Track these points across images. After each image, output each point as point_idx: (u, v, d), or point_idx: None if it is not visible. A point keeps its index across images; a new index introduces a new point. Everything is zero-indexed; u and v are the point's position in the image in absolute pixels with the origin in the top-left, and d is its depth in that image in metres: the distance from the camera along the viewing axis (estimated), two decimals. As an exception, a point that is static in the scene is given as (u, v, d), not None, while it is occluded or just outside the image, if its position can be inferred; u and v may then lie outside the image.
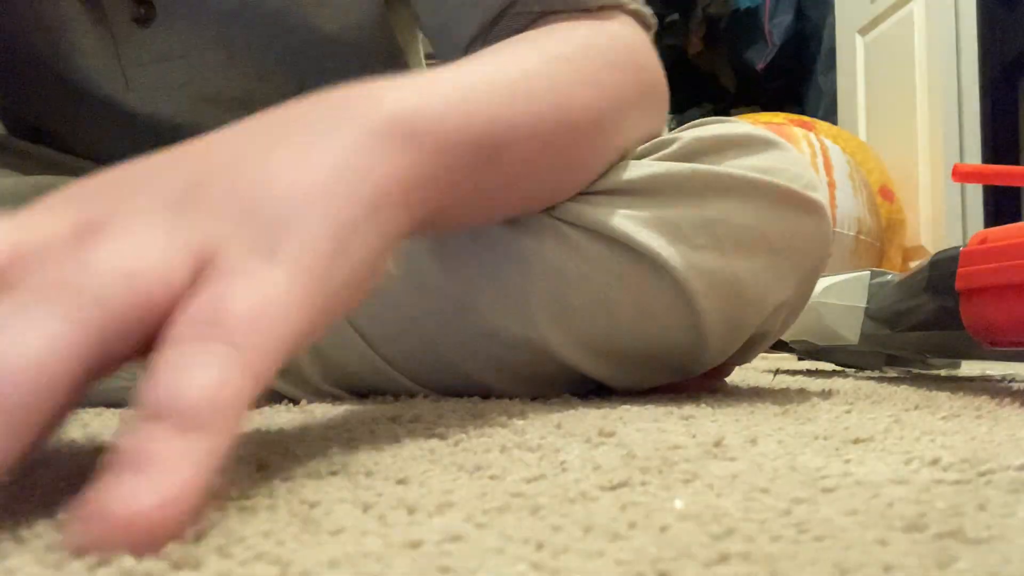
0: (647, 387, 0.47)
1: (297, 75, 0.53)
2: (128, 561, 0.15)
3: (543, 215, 0.41)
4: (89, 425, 0.34)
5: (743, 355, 0.48)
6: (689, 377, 0.46)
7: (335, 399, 0.44)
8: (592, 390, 0.46)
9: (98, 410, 0.40)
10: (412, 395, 0.45)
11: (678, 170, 0.41)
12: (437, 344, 0.43)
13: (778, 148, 0.44)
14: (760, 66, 2.69)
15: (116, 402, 0.43)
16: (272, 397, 0.44)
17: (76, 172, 0.51)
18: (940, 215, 1.93)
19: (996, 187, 1.87)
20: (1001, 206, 1.91)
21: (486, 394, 0.44)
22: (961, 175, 0.64)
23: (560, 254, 0.41)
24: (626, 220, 0.40)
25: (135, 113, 0.53)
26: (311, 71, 0.53)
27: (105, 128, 0.54)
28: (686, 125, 0.46)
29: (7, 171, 0.51)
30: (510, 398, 0.43)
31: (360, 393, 0.45)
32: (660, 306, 0.41)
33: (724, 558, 0.15)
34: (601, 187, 0.42)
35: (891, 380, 0.66)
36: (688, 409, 0.40)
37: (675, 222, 0.41)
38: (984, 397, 0.47)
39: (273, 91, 0.52)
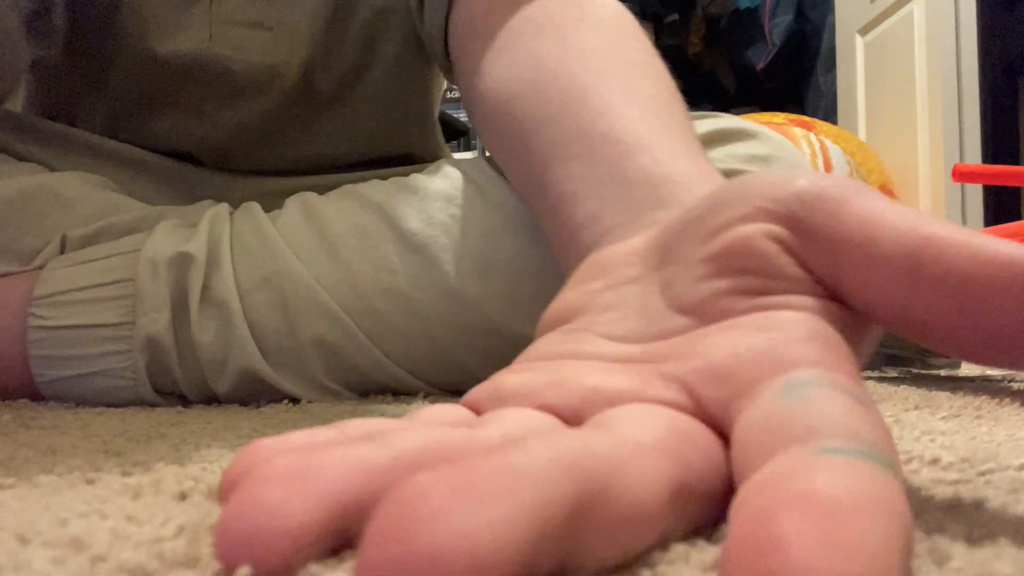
0: None
1: (360, 46, 0.55)
2: (128, 560, 0.15)
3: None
4: (89, 425, 0.34)
5: None
6: None
7: (335, 396, 0.44)
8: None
9: (99, 410, 0.40)
10: (412, 393, 0.45)
11: None
12: (439, 339, 0.44)
13: (764, 136, 0.46)
14: (760, 66, 2.69)
15: (116, 403, 0.43)
16: (273, 396, 0.44)
17: (115, 156, 0.53)
18: (940, 215, 1.93)
19: (996, 187, 1.87)
20: (1001, 206, 1.91)
21: None
22: (961, 175, 0.64)
23: (547, 252, 0.42)
24: None
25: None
26: (375, 40, 0.55)
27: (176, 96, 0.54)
28: None
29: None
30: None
31: (361, 391, 0.45)
32: None
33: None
34: None
35: (891, 380, 0.66)
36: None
37: None
38: (984, 397, 0.47)
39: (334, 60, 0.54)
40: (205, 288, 0.42)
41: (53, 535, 0.16)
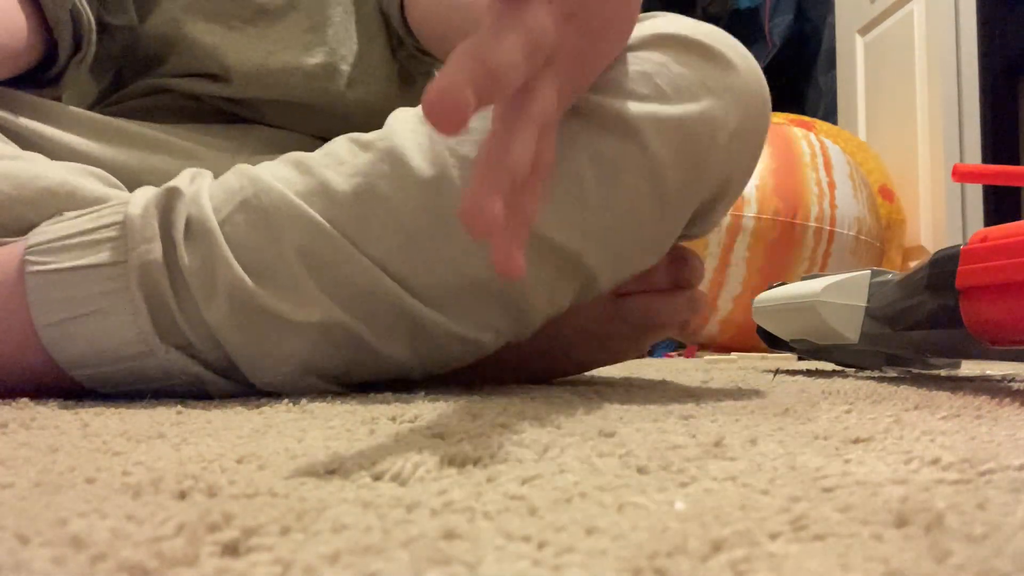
0: (631, 271, 0.49)
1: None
2: (128, 559, 0.15)
3: None
4: (89, 425, 0.34)
5: (711, 213, 0.50)
6: (665, 249, 0.49)
7: (324, 312, 0.44)
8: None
9: (98, 410, 0.40)
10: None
11: None
12: (415, 232, 0.44)
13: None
14: (760, 66, 2.69)
15: (118, 350, 0.43)
16: (270, 327, 0.44)
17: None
18: (940, 215, 1.93)
19: (996, 187, 1.87)
20: (1001, 206, 1.90)
21: (480, 290, 0.45)
22: (961, 175, 0.64)
23: None
24: None
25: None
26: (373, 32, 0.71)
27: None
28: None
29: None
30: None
31: (353, 308, 0.44)
32: (618, 160, 0.43)
33: (723, 557, 0.15)
34: None
35: (891, 380, 0.66)
36: (688, 409, 0.40)
37: (617, 79, 0.44)
38: (984, 397, 0.47)
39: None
40: (188, 219, 0.44)
41: (53, 534, 0.16)
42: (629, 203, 0.44)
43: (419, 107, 0.47)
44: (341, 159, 0.45)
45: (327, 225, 0.44)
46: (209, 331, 0.44)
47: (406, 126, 0.46)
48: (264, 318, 0.44)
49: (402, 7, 0.68)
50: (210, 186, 0.46)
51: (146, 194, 0.45)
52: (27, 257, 0.43)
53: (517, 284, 0.45)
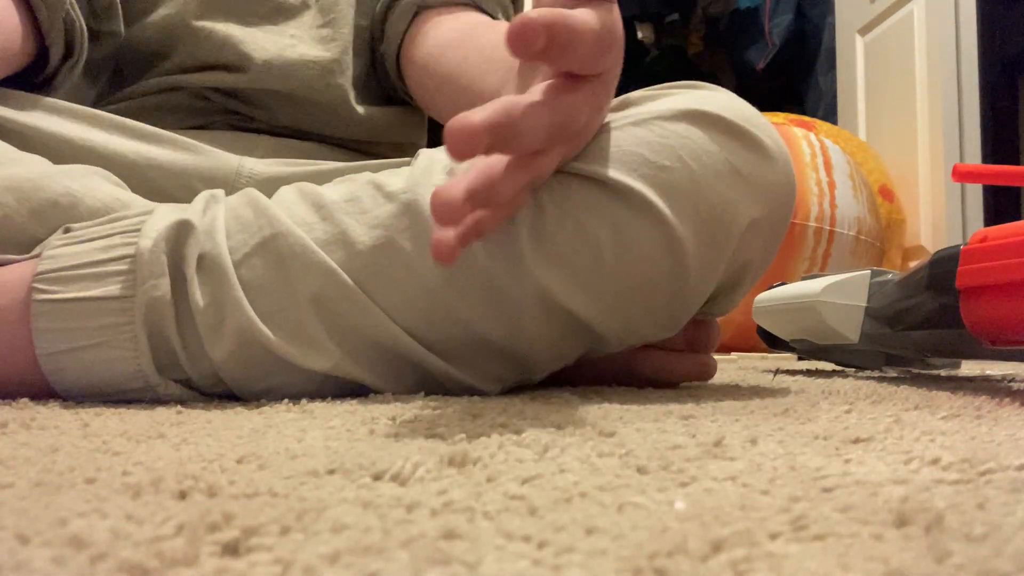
0: (641, 340, 0.49)
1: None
2: (128, 559, 0.15)
3: None
4: (89, 425, 0.34)
5: (729, 294, 0.50)
6: (679, 325, 0.48)
7: (333, 362, 0.44)
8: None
9: (98, 410, 0.40)
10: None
11: (639, 112, 0.45)
12: (434, 290, 0.44)
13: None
14: (760, 66, 2.69)
15: (115, 382, 0.43)
16: (271, 368, 0.44)
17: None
18: (940, 215, 1.93)
19: (996, 187, 1.87)
20: (1001, 206, 1.91)
21: (487, 346, 0.45)
22: (961, 175, 0.64)
23: (537, 193, 0.43)
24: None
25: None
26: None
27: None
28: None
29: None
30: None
31: (361, 356, 0.45)
32: (636, 233, 0.43)
33: (723, 557, 0.15)
34: None
35: (891, 380, 0.66)
36: (688, 409, 0.40)
37: (638, 151, 0.43)
38: (984, 397, 0.47)
39: None
40: (201, 256, 0.44)
41: (53, 534, 0.16)
42: (645, 275, 0.44)
43: (444, 151, 0.48)
44: (364, 207, 0.45)
45: (345, 276, 0.44)
46: (211, 367, 0.44)
47: (430, 179, 0.45)
48: (271, 359, 0.44)
49: (398, 58, 0.70)
50: (225, 218, 0.45)
51: (157, 224, 0.44)
52: (35, 284, 0.43)
53: (525, 341, 0.45)
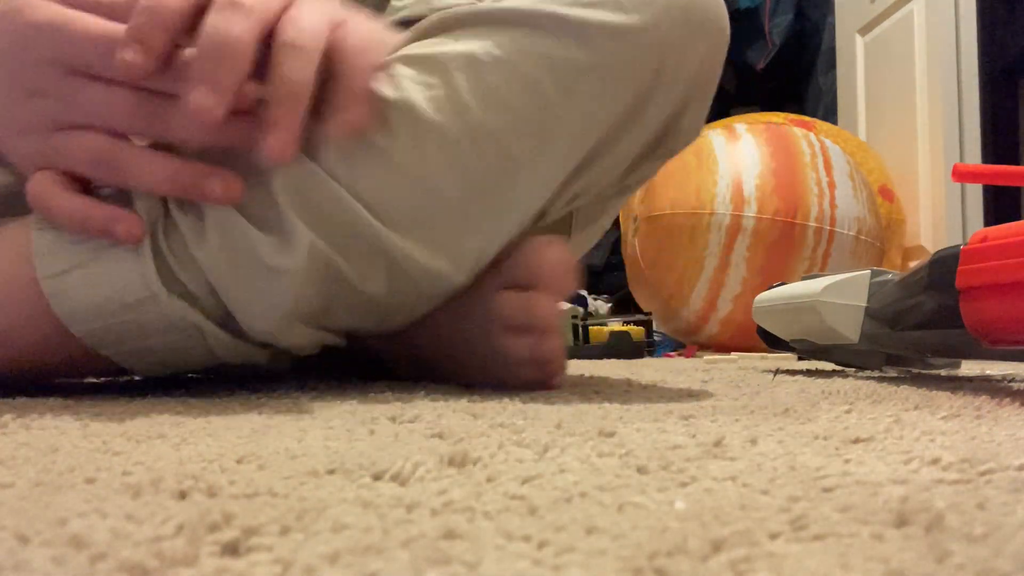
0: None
1: None
2: (128, 559, 0.15)
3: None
4: (89, 425, 0.34)
5: (686, 118, 0.52)
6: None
7: (307, 247, 0.44)
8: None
9: (98, 410, 0.40)
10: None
11: None
12: (400, 162, 0.44)
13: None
14: (760, 66, 2.69)
15: (118, 301, 0.43)
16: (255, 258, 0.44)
17: None
18: (940, 215, 1.93)
19: (996, 187, 1.87)
20: (1001, 206, 1.90)
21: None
22: (961, 175, 0.64)
23: (468, 44, 0.45)
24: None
25: None
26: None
27: None
28: None
29: None
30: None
31: (320, 229, 0.44)
32: (571, 60, 0.45)
33: (723, 557, 0.15)
34: None
35: (891, 380, 0.66)
36: (688, 409, 0.40)
37: None
38: (984, 397, 0.47)
39: None
40: None
41: (53, 534, 0.16)
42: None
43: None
44: None
45: (305, 157, 0.44)
46: (202, 273, 0.44)
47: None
48: (253, 257, 0.44)
49: None
50: None
51: None
52: (33, 220, 0.44)
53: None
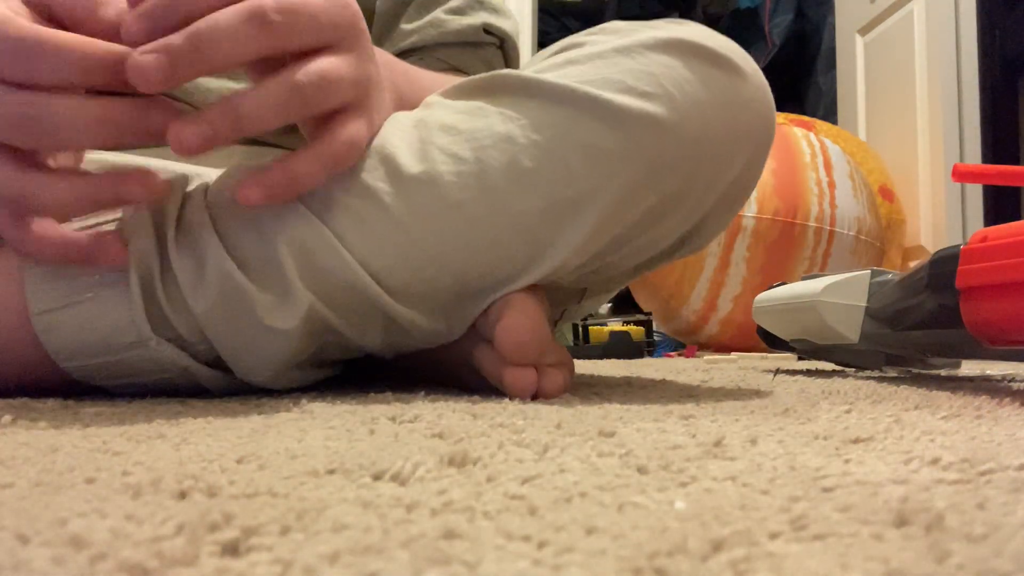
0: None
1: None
2: (128, 559, 0.15)
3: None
4: (89, 425, 0.34)
5: (723, 215, 0.51)
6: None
7: (308, 310, 0.43)
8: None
9: (98, 410, 0.40)
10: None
11: (612, 41, 0.46)
12: (411, 232, 0.44)
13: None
14: (760, 66, 2.70)
15: (105, 339, 0.43)
16: (255, 321, 0.43)
17: None
18: (940, 215, 1.93)
19: (996, 187, 1.88)
20: (1001, 206, 1.91)
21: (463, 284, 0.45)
22: (961, 175, 0.64)
23: (505, 122, 0.45)
24: (570, 80, 0.45)
25: None
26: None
27: None
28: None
29: None
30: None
31: (330, 300, 0.44)
32: (608, 148, 0.44)
33: (723, 557, 0.15)
34: (543, 66, 0.47)
35: (891, 380, 0.66)
36: (688, 409, 0.40)
37: (619, 78, 0.44)
38: (984, 397, 0.47)
39: None
40: (180, 215, 0.44)
41: (53, 534, 0.16)
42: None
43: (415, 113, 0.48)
44: None
45: (317, 221, 0.43)
46: (196, 323, 0.44)
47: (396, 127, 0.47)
48: (249, 312, 0.43)
49: None
50: (207, 181, 0.46)
51: None
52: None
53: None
